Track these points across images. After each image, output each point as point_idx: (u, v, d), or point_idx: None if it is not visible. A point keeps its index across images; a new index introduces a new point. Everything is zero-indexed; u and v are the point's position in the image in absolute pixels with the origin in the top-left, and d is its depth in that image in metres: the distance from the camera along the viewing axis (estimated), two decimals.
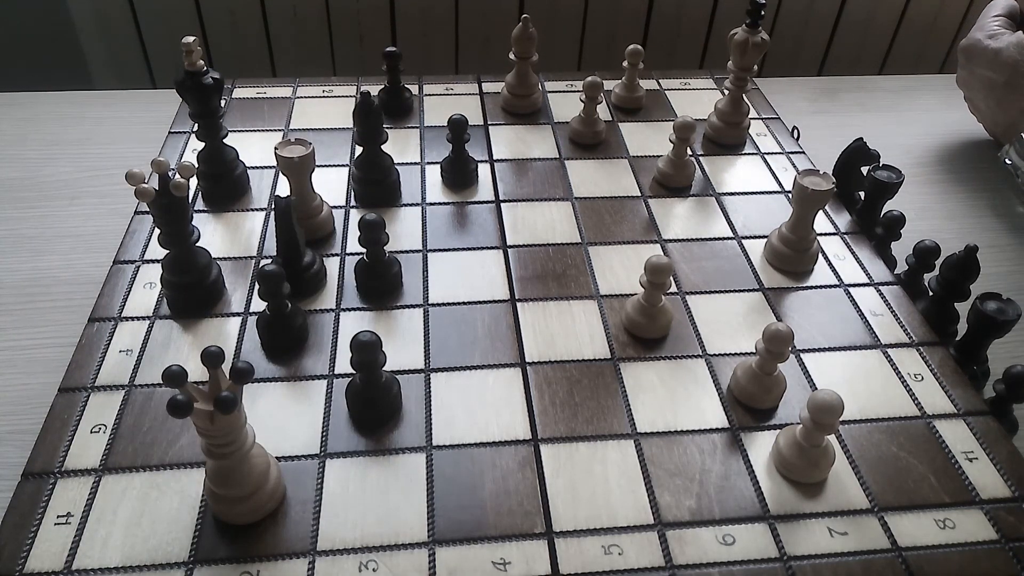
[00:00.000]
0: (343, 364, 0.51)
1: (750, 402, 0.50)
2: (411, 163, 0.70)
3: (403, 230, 0.63)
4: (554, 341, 0.54)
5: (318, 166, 0.61)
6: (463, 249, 0.61)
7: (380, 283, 0.57)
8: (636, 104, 0.79)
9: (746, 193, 0.69)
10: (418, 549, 0.42)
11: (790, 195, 0.66)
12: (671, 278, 0.54)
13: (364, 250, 0.56)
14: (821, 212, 0.63)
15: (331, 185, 0.67)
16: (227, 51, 1.10)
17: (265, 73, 1.14)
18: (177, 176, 0.50)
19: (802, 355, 0.54)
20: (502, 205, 0.66)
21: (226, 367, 0.39)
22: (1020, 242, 0.72)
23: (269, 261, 0.52)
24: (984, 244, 0.58)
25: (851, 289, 0.60)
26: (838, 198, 0.68)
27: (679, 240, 0.63)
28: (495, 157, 0.72)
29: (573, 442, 0.48)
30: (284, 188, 0.65)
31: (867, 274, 0.61)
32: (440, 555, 0.42)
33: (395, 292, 0.57)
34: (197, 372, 0.43)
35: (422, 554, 0.42)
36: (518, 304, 0.57)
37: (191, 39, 0.59)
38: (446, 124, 0.65)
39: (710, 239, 0.64)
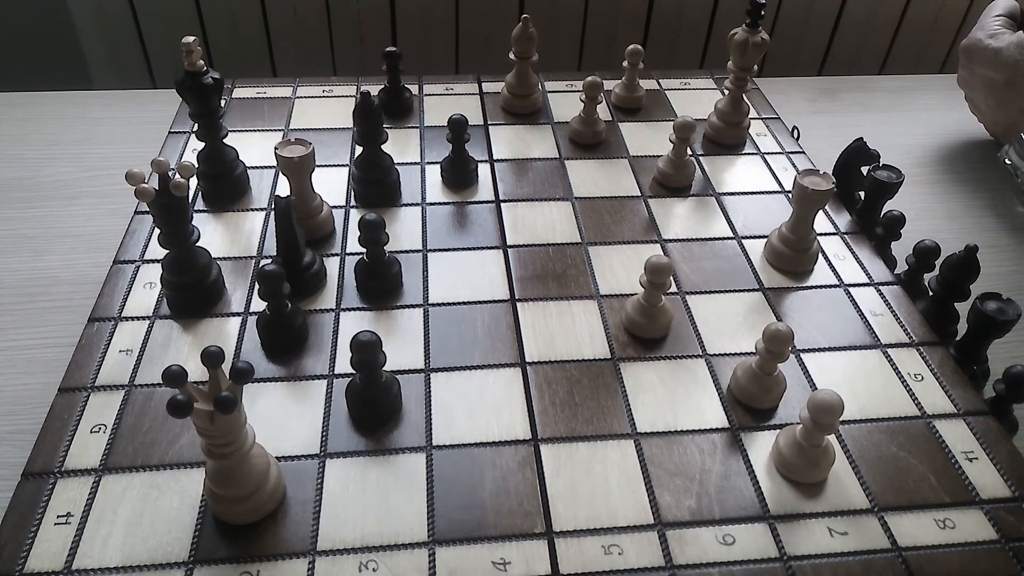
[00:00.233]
0: (343, 364, 0.51)
1: (750, 402, 0.50)
2: (411, 163, 0.70)
3: (403, 230, 0.63)
4: (554, 341, 0.54)
5: (318, 166, 0.61)
6: (463, 249, 0.61)
7: (380, 283, 0.57)
8: (636, 104, 0.79)
9: (746, 193, 0.69)
10: (418, 549, 0.42)
11: (790, 195, 0.66)
12: (671, 278, 0.54)
13: (364, 250, 0.56)
14: (821, 212, 0.63)
15: (331, 185, 0.67)
16: (227, 51, 1.10)
17: (265, 73, 1.14)
18: (177, 176, 0.50)
19: (802, 355, 0.54)
20: (502, 205, 0.66)
21: (226, 367, 0.39)
22: (1020, 242, 0.72)
23: (269, 261, 0.52)
24: (984, 244, 0.58)
25: (851, 289, 0.60)
26: (838, 198, 0.68)
27: (679, 240, 0.63)
28: (495, 157, 0.72)
29: (573, 442, 0.48)
30: (284, 188, 0.65)
31: (867, 274, 0.61)
32: (440, 555, 0.42)
33: (395, 292, 0.57)
34: (197, 372, 0.43)
35: (422, 554, 0.42)
36: (518, 304, 0.57)
37: (191, 39, 0.59)
38: (446, 124, 0.65)
39: (710, 239, 0.64)
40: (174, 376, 0.37)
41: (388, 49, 0.74)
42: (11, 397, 0.53)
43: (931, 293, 0.57)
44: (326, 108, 0.77)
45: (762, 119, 0.79)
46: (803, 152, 0.74)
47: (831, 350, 0.54)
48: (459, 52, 1.14)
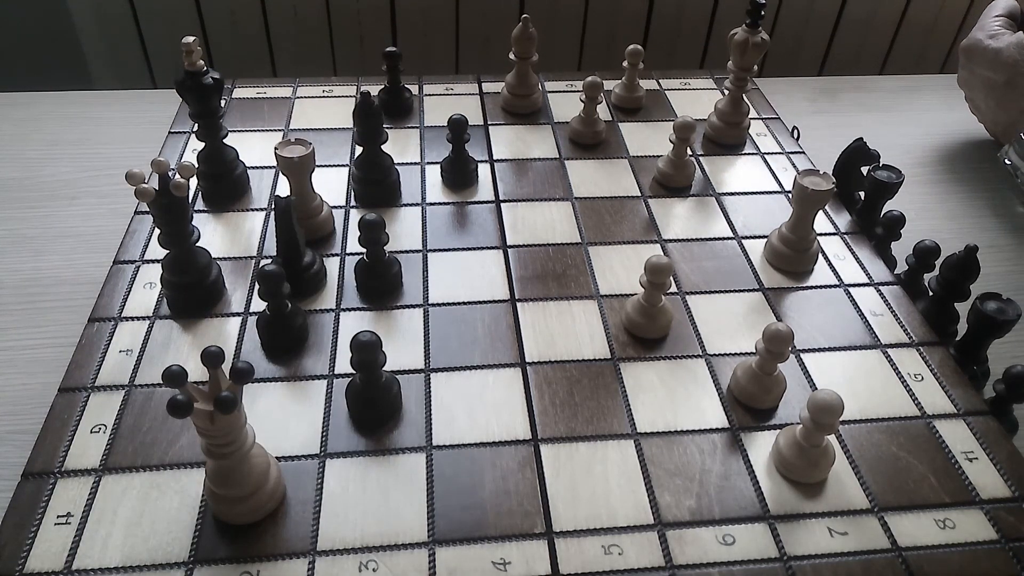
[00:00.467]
0: (343, 364, 0.51)
1: (750, 402, 0.50)
2: (411, 163, 0.70)
3: (403, 230, 0.63)
4: (554, 341, 0.54)
5: (318, 166, 0.61)
6: (463, 249, 0.61)
7: (380, 283, 0.57)
8: (636, 104, 0.79)
9: (746, 193, 0.69)
10: (418, 549, 0.42)
11: (790, 195, 0.66)
12: (671, 278, 0.54)
13: (364, 250, 0.56)
14: (821, 212, 0.63)
15: (331, 185, 0.67)
16: (227, 51, 1.10)
17: (265, 73, 1.14)
18: (177, 176, 0.50)
19: (802, 355, 0.54)
20: (502, 205, 0.66)
21: (226, 367, 0.39)
22: (1020, 242, 0.72)
23: (269, 261, 0.52)
24: (984, 244, 0.58)
25: (851, 289, 0.60)
26: (838, 198, 0.68)
27: (679, 240, 0.63)
28: (495, 157, 0.72)
29: (573, 442, 0.48)
30: (284, 188, 0.65)
31: (867, 274, 0.61)
32: (440, 555, 0.42)
33: (395, 292, 0.57)
34: (197, 372, 0.43)
35: (422, 554, 0.42)
36: (518, 304, 0.57)
37: (191, 39, 0.59)
38: (446, 124, 0.65)
39: (710, 239, 0.64)
40: (174, 376, 0.37)
41: (388, 49, 0.74)
42: (11, 397, 0.53)
43: (931, 293, 0.57)
44: (326, 108, 0.77)
45: (762, 119, 0.79)
46: (803, 152, 0.74)
47: (831, 350, 0.54)
48: (459, 52, 1.14)
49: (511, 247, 0.62)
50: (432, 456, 0.47)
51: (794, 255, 0.60)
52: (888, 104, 0.91)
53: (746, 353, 0.54)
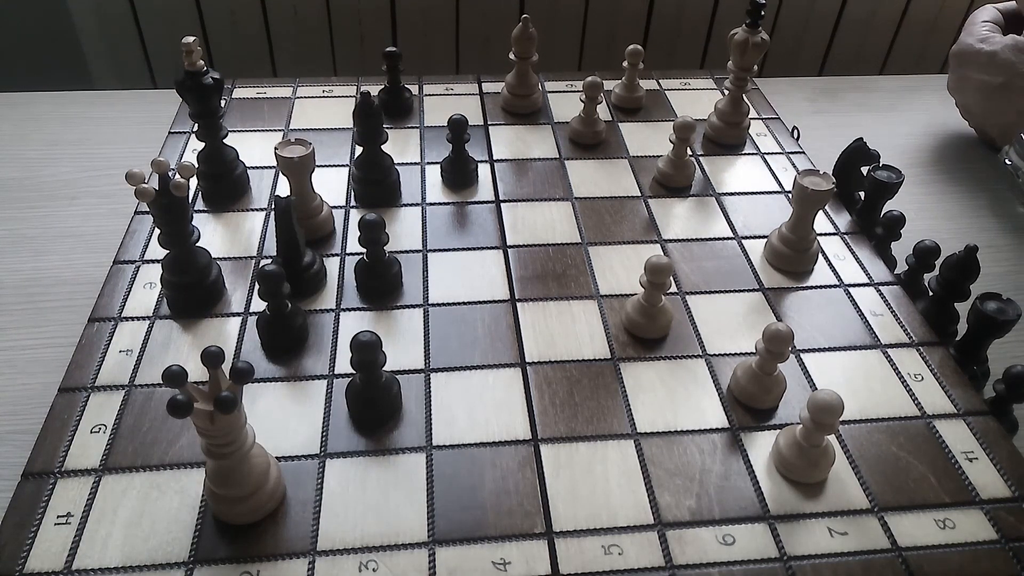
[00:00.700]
0: (343, 364, 0.51)
1: (750, 402, 0.50)
2: (411, 163, 0.70)
3: (403, 230, 0.63)
4: (554, 341, 0.54)
5: (318, 166, 0.61)
6: (463, 249, 0.61)
7: (380, 283, 0.57)
8: (636, 104, 0.79)
9: (746, 193, 0.69)
10: (418, 549, 0.42)
11: (790, 195, 0.66)
12: (671, 278, 0.54)
13: (364, 250, 0.56)
14: (821, 212, 0.63)
15: (331, 185, 0.67)
16: (227, 51, 1.10)
17: (265, 73, 1.14)
18: (177, 176, 0.50)
19: (802, 355, 0.54)
20: (502, 205, 0.66)
21: (226, 367, 0.39)
22: (1020, 242, 0.72)
23: (269, 261, 0.52)
24: (984, 244, 0.58)
25: (851, 289, 0.60)
26: (838, 198, 0.68)
27: (679, 240, 0.63)
28: (495, 157, 0.72)
29: (573, 442, 0.48)
30: (284, 188, 0.65)
31: (867, 274, 0.61)
32: (440, 555, 0.42)
33: (395, 292, 0.57)
34: (197, 372, 0.43)
35: (422, 554, 0.42)
36: (518, 304, 0.57)
37: (191, 39, 0.59)
38: (446, 124, 0.65)
39: (710, 239, 0.64)
40: (174, 376, 0.37)
41: (388, 49, 0.74)
42: (11, 397, 0.53)
43: (931, 293, 0.57)
44: (326, 108, 0.77)
45: (762, 119, 0.79)
46: (803, 152, 0.74)
47: (831, 350, 0.54)
48: (459, 52, 1.14)
49: (511, 247, 0.62)
50: (432, 456, 0.47)
51: (794, 255, 0.60)
52: (888, 104, 0.91)
53: (746, 353, 0.54)
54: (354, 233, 0.59)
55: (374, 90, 0.75)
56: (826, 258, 0.62)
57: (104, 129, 0.80)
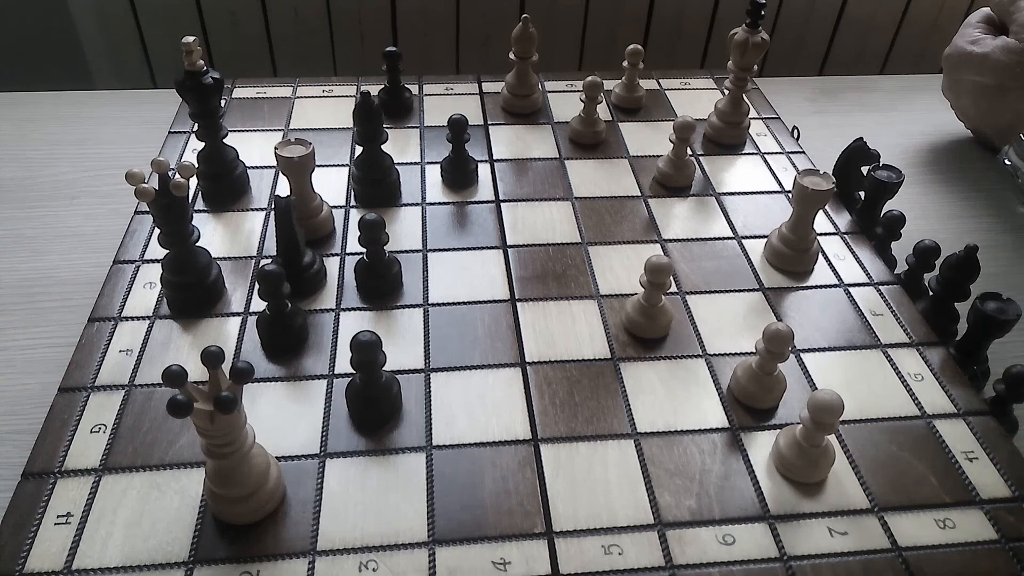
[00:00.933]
0: (343, 364, 0.51)
1: (750, 402, 0.50)
2: (411, 163, 0.70)
3: (403, 230, 0.63)
4: (554, 341, 0.54)
5: (318, 166, 0.61)
6: (463, 249, 0.61)
7: (380, 283, 0.57)
8: (636, 104, 0.79)
9: (746, 193, 0.69)
10: (418, 549, 0.42)
11: (790, 195, 0.66)
12: (671, 278, 0.54)
13: (364, 250, 0.56)
14: (821, 212, 0.63)
15: (331, 185, 0.67)
16: (227, 51, 1.10)
17: (265, 73, 1.14)
18: (177, 176, 0.50)
19: (802, 355, 0.54)
20: (502, 205, 0.66)
21: (226, 367, 0.39)
22: (1020, 242, 0.72)
23: (269, 261, 0.52)
24: (984, 244, 0.58)
25: (851, 289, 0.60)
26: (838, 198, 0.68)
27: (679, 240, 0.63)
28: (495, 157, 0.72)
29: (573, 442, 0.48)
30: (284, 188, 0.65)
31: (867, 274, 0.61)
32: (440, 555, 0.42)
33: (395, 292, 0.57)
34: (197, 372, 0.43)
35: (422, 554, 0.42)
36: (518, 304, 0.57)
37: (191, 39, 0.59)
38: (446, 124, 0.65)
39: (710, 239, 0.64)
40: (174, 376, 0.37)
41: (388, 49, 0.74)
42: (11, 397, 0.53)
43: (931, 293, 0.57)
44: (326, 108, 0.77)
45: (762, 119, 0.79)
46: (803, 152, 0.74)
47: (831, 350, 0.54)
48: (459, 52, 1.14)
49: (511, 247, 0.62)
50: (432, 456, 0.47)
51: (794, 255, 0.60)
52: (888, 104, 0.91)
53: (746, 353, 0.54)
54: (354, 233, 0.59)
55: (374, 90, 0.75)
56: (826, 258, 0.62)
57: (104, 129, 0.80)
